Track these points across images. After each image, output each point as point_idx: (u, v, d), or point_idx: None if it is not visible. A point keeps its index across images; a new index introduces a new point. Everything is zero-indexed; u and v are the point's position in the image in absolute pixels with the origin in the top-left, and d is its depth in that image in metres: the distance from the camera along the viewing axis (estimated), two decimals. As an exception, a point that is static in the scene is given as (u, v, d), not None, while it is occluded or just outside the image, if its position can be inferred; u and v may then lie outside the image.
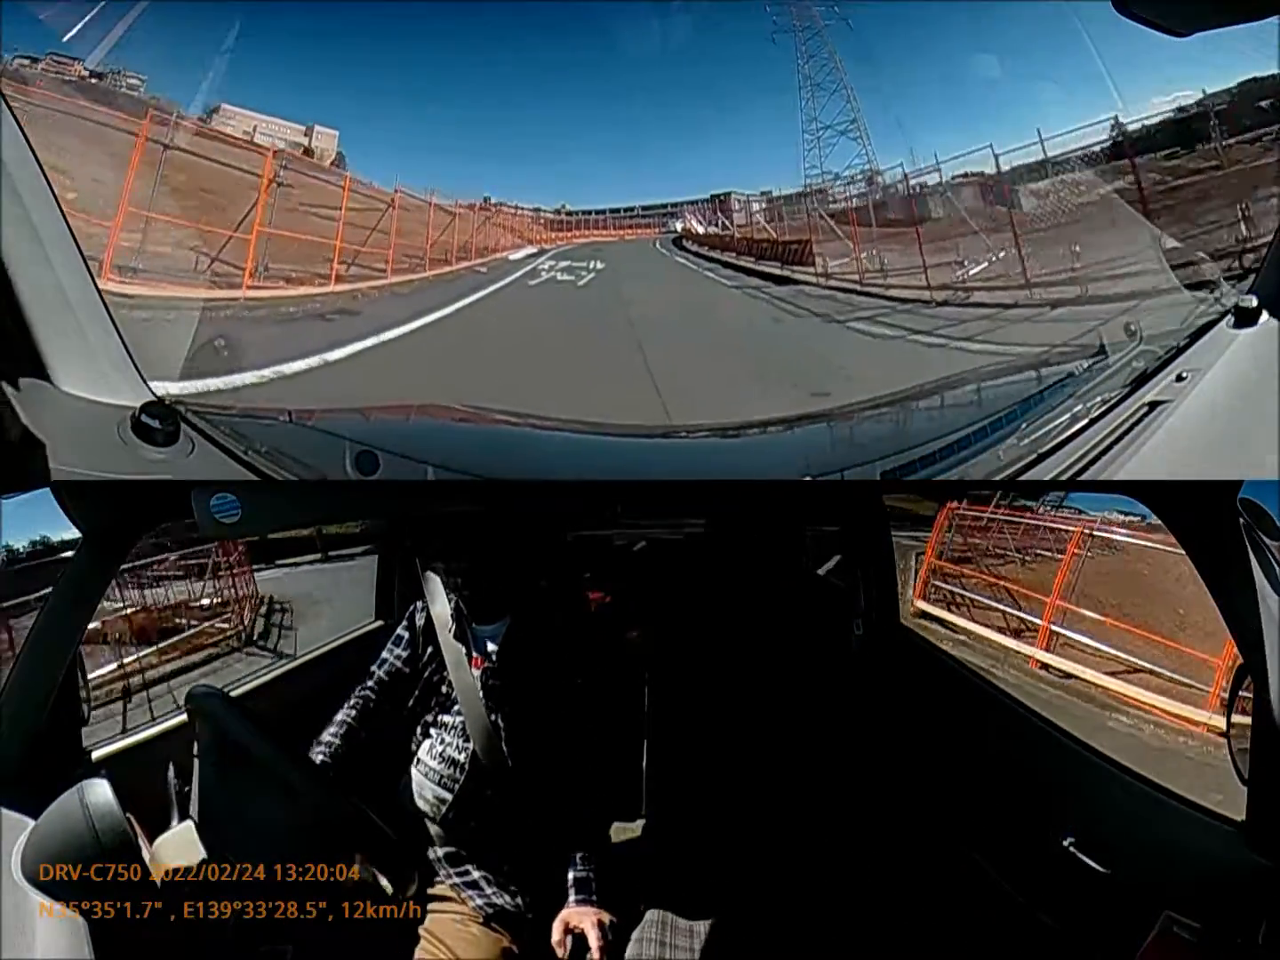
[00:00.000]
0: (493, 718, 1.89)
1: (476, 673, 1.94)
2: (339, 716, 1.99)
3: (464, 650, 1.96)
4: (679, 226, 8.69)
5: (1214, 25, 1.23)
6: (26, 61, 4.51)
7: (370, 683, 2.04)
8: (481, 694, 1.91)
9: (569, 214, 8.69)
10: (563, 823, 1.87)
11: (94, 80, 4.85)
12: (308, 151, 6.13)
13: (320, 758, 1.89)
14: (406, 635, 2.06)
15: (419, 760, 1.94)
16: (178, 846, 1.44)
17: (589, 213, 8.78)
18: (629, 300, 6.39)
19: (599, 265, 7.51)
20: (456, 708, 1.92)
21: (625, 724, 2.41)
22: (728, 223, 8.13)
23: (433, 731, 1.95)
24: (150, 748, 1.88)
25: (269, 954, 1.44)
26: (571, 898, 1.78)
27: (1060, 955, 1.73)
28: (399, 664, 2.04)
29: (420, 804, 1.92)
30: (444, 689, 1.95)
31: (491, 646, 1.96)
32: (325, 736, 1.94)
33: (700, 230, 8.55)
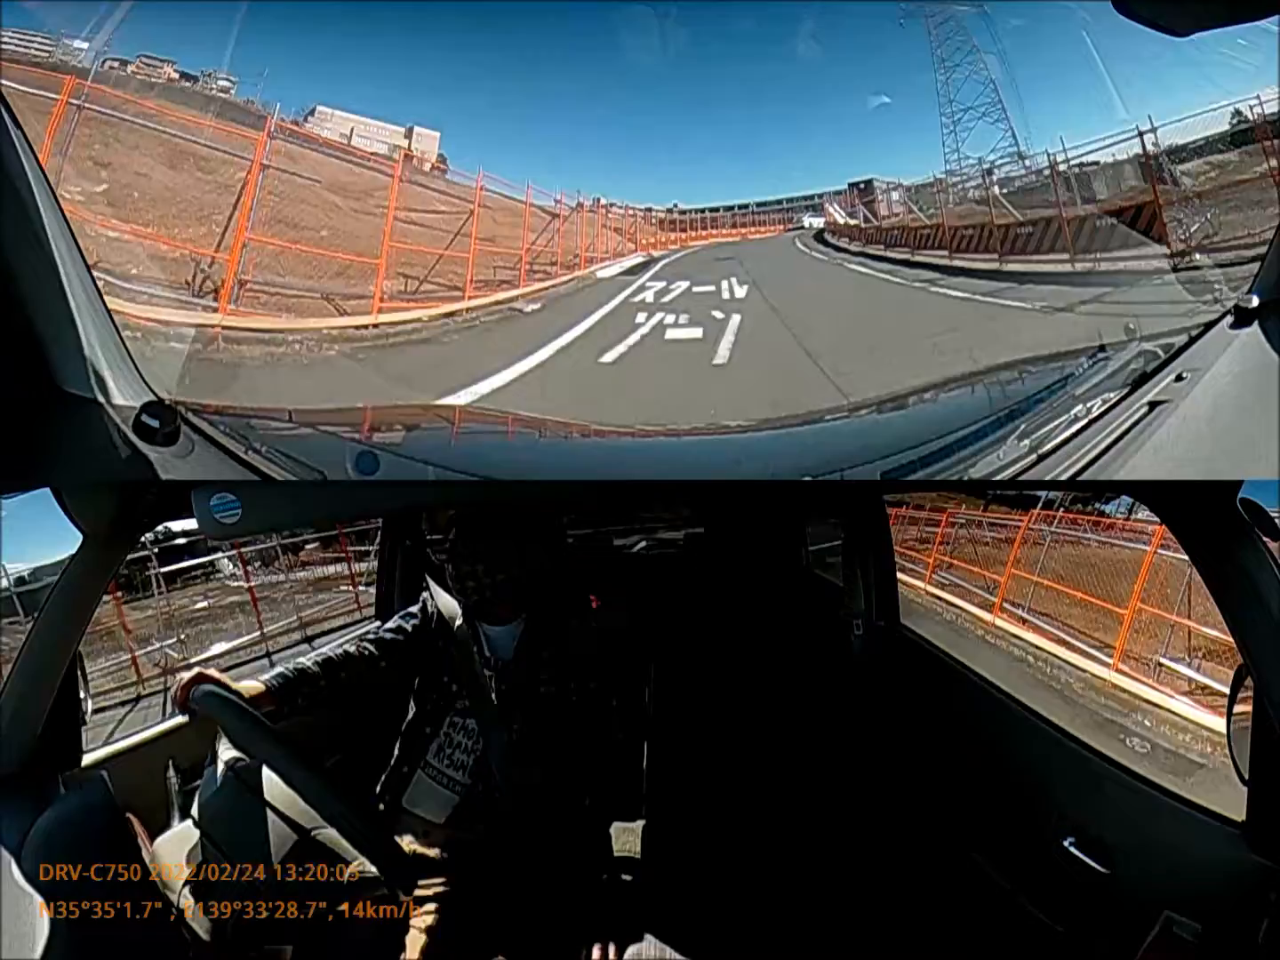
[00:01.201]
0: (503, 720, 1.88)
1: (489, 673, 1.93)
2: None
3: (475, 650, 1.96)
4: (808, 221, 7.33)
5: (1214, 25, 1.22)
6: (117, 63, 4.51)
7: (371, 637, 1.97)
8: (493, 695, 1.90)
9: (681, 213, 7.65)
10: (568, 825, 1.87)
11: (185, 83, 4.82)
12: (409, 154, 5.77)
13: (285, 668, 1.79)
14: (419, 617, 2.01)
15: (425, 762, 1.93)
16: (178, 846, 1.44)
17: (703, 211, 7.67)
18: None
19: (738, 289, 4.41)
20: (465, 709, 1.91)
21: (628, 726, 2.41)
22: (870, 213, 6.70)
23: (440, 733, 1.93)
24: (150, 748, 1.88)
25: (269, 954, 1.44)
26: (572, 909, 1.77)
27: (1060, 955, 1.73)
28: (402, 637, 1.98)
29: (426, 806, 1.91)
30: (453, 688, 1.94)
31: (505, 648, 1.95)
32: (303, 658, 1.84)
33: (843, 220, 6.93)
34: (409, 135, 5.81)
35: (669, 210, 7.52)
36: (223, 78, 4.87)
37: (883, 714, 2.47)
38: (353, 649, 1.92)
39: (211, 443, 1.35)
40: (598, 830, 1.94)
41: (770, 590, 3.02)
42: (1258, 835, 1.32)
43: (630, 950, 1.79)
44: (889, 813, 2.25)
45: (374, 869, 1.47)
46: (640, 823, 2.39)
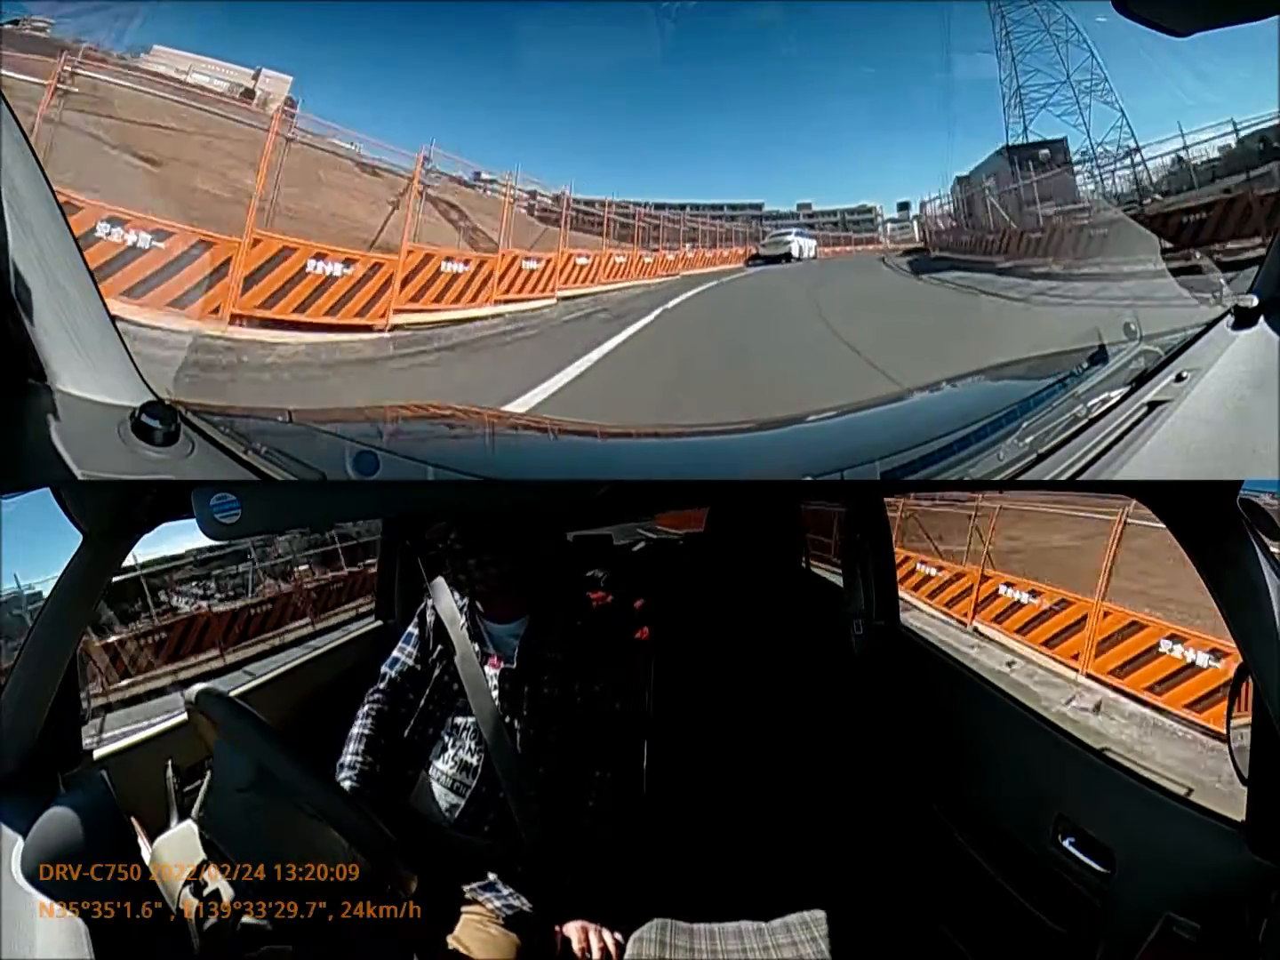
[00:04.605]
0: (508, 720, 1.87)
1: (493, 673, 1.92)
2: (356, 731, 1.96)
3: (478, 649, 1.95)
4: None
5: (1214, 25, 1.22)
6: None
7: (383, 685, 2.02)
8: (496, 695, 1.89)
9: (577, 204, 5.66)
10: (574, 826, 1.87)
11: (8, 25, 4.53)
12: (248, 94, 5.29)
13: (350, 783, 1.86)
14: (417, 632, 2.04)
15: (430, 764, 1.92)
16: (178, 846, 1.44)
17: (593, 204, 5.60)
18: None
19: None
20: (469, 709, 1.91)
21: (630, 726, 2.41)
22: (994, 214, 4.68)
23: (444, 734, 1.92)
24: (150, 748, 1.88)
25: (269, 954, 1.44)
26: (576, 908, 1.77)
27: (1060, 955, 1.73)
28: (411, 662, 2.02)
29: (433, 808, 1.90)
30: (455, 688, 1.93)
31: (510, 646, 1.95)
32: (349, 758, 1.91)
33: (945, 225, 4.74)
34: (256, 77, 5.42)
35: (555, 199, 5.63)
36: (40, 19, 4.61)
37: (883, 713, 2.48)
38: (372, 709, 1.99)
39: (211, 443, 1.35)
40: (605, 832, 1.94)
41: (769, 589, 3.01)
42: (1258, 836, 1.32)
43: (630, 948, 1.79)
44: (889, 812, 2.25)
45: (376, 870, 1.47)
46: (639, 823, 2.39)
